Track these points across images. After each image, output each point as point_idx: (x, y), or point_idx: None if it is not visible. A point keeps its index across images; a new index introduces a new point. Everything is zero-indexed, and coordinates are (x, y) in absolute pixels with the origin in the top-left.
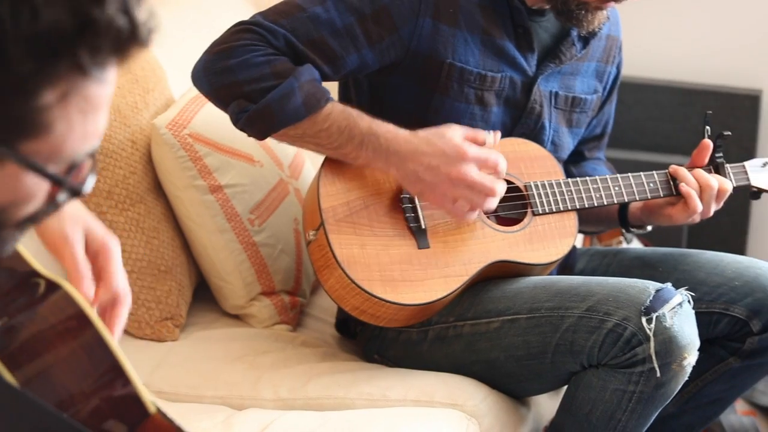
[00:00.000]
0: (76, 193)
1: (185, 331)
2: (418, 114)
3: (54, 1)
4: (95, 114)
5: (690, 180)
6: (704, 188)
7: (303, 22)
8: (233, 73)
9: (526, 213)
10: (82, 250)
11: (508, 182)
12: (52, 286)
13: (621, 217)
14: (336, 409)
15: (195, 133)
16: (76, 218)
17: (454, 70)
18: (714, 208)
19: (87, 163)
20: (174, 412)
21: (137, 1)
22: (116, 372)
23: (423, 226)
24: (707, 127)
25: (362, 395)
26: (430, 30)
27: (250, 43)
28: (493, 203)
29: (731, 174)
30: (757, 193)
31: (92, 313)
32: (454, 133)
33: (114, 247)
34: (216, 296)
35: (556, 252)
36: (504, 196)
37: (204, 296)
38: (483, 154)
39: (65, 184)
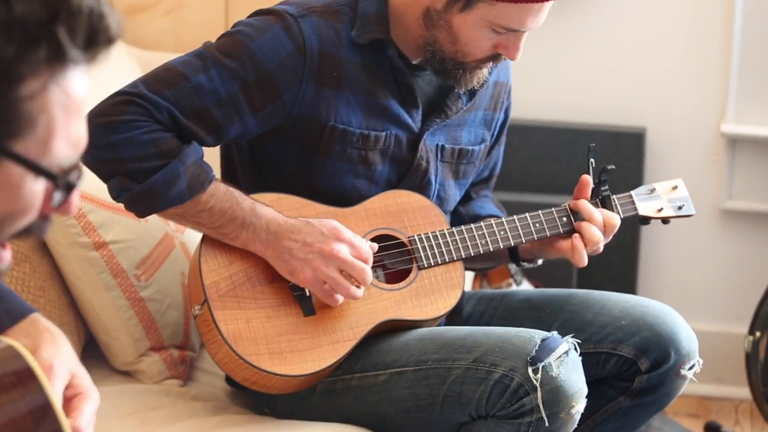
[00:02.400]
0: (70, 187)
1: None
2: (300, 174)
3: None
4: (77, 115)
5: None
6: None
7: (187, 93)
8: (116, 150)
9: (412, 267)
10: (61, 386)
11: (393, 237)
12: None
13: (511, 253)
14: None
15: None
16: (68, 360)
17: (336, 133)
18: (603, 242)
19: (74, 174)
20: None
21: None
22: None
23: (307, 293)
24: (591, 160)
25: None
26: (313, 95)
27: (134, 119)
28: (359, 293)
29: (618, 206)
30: (647, 219)
31: (41, 374)
32: (335, 221)
33: (93, 396)
34: (105, 353)
35: (444, 305)
36: (390, 252)
37: (93, 354)
38: (357, 241)
39: (59, 179)
